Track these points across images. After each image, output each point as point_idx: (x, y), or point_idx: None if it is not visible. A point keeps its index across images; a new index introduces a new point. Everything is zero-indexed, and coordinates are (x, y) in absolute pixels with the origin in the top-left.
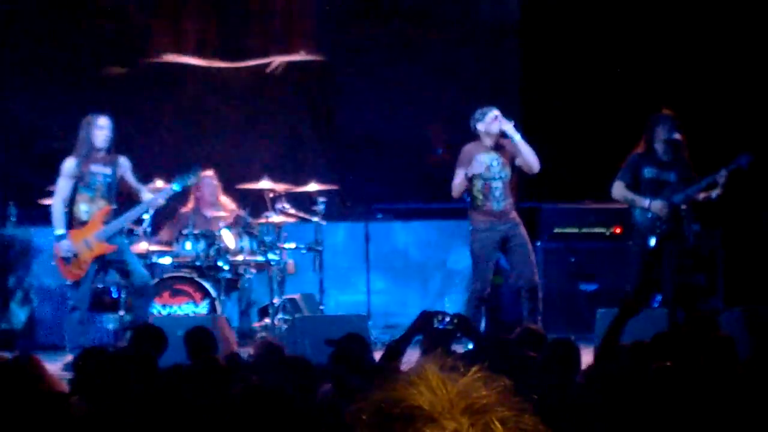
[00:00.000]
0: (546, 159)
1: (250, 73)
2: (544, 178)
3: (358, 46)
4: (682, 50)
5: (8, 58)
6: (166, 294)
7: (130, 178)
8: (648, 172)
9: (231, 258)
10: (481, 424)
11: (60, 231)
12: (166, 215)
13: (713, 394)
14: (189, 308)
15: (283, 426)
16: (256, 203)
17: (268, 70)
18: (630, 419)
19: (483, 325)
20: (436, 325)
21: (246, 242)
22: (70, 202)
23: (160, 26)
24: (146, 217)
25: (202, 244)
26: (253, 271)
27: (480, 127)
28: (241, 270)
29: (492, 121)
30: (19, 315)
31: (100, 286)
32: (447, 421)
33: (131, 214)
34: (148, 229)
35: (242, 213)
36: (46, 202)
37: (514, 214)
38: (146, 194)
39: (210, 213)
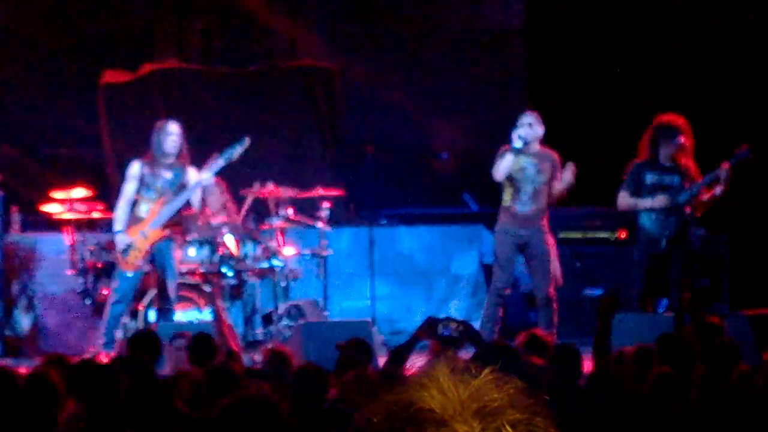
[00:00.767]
0: None
1: (255, 79)
2: None
3: (364, 52)
4: (687, 53)
5: (13, 64)
6: None
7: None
8: (650, 178)
9: (235, 264)
10: (493, 427)
11: (118, 227)
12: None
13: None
14: (193, 315)
15: None
16: (260, 209)
17: (272, 77)
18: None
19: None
20: (440, 332)
21: (250, 248)
22: (135, 202)
23: (164, 31)
24: None
25: (206, 251)
26: (257, 278)
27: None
28: (245, 276)
29: (523, 128)
30: (23, 322)
31: None
32: (458, 424)
33: (182, 197)
34: None
35: (246, 220)
36: (49, 208)
37: (540, 222)
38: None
39: (214, 220)
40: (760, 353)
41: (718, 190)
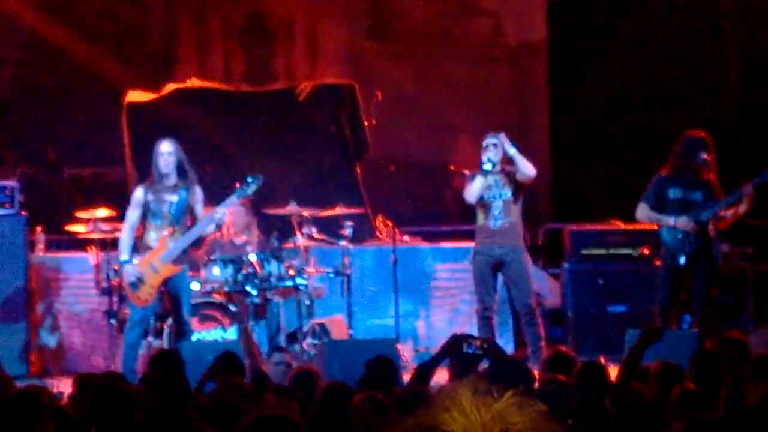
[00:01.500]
0: (573, 180)
1: (276, 98)
2: (571, 200)
3: (385, 69)
4: (712, 68)
5: (37, 85)
6: (194, 319)
7: (198, 210)
8: (673, 193)
9: (259, 283)
10: None
11: (124, 257)
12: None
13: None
14: (218, 333)
15: None
16: (283, 228)
17: (294, 95)
18: None
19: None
20: (465, 350)
21: (274, 267)
22: (143, 230)
23: (186, 51)
24: None
25: (230, 270)
26: (281, 297)
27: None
28: (269, 295)
29: (490, 151)
30: (48, 341)
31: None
32: None
33: (194, 232)
34: None
35: (270, 239)
36: (74, 228)
37: (515, 239)
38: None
39: (238, 239)
40: None
41: (741, 208)
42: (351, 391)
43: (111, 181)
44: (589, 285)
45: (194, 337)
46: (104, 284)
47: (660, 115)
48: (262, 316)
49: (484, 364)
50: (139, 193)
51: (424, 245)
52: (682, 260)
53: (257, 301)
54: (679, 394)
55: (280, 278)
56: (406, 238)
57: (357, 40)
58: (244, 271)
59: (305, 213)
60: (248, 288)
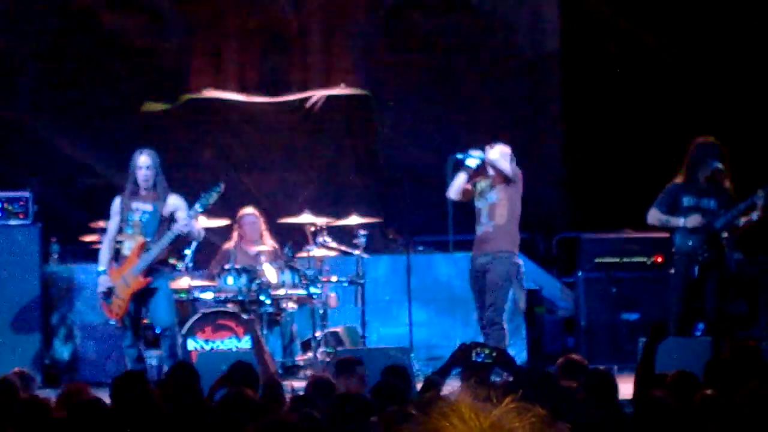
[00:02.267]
0: (587, 188)
1: (291, 107)
2: (585, 209)
3: (399, 79)
4: (724, 75)
5: (50, 96)
6: (208, 329)
7: (180, 217)
8: (687, 201)
9: (273, 292)
10: None
11: (101, 267)
12: (210, 252)
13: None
14: (232, 343)
15: None
16: (297, 237)
17: (308, 105)
18: None
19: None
20: (474, 358)
21: (288, 276)
22: (119, 239)
23: (200, 62)
24: (188, 252)
25: (243, 279)
26: (295, 306)
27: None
28: (283, 304)
29: (478, 150)
30: (62, 352)
31: (147, 321)
32: None
33: (162, 242)
34: (190, 264)
35: (284, 249)
36: (88, 238)
37: (497, 243)
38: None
39: (252, 249)
40: None
41: (754, 215)
42: (364, 400)
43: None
44: (603, 293)
45: (208, 347)
46: None
47: (675, 124)
48: (275, 325)
49: (506, 376)
50: (116, 203)
51: (438, 254)
52: (696, 269)
53: (271, 310)
54: (698, 400)
55: (294, 287)
56: (420, 247)
57: (372, 51)
58: (257, 281)
59: (319, 222)
60: (262, 297)
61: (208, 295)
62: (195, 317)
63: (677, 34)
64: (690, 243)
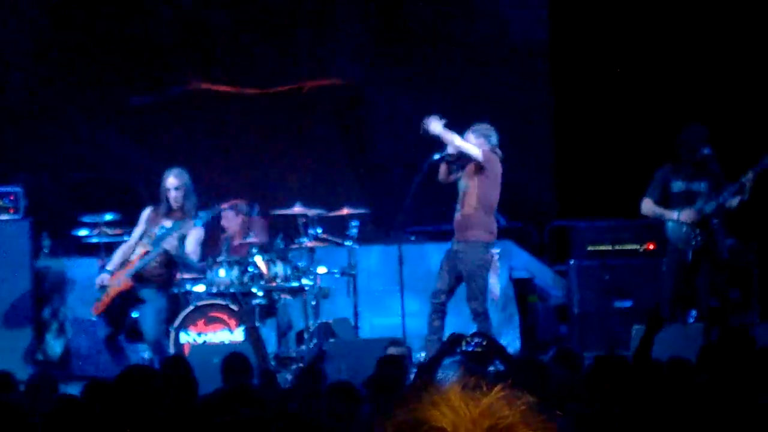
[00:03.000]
0: (578, 176)
1: (281, 99)
2: (576, 197)
3: (389, 70)
4: (713, 62)
5: (41, 90)
6: (200, 322)
7: (188, 241)
8: (676, 186)
9: (265, 284)
10: None
11: (109, 267)
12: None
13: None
14: (224, 335)
15: None
16: (289, 229)
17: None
18: None
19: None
20: (464, 348)
21: (279, 268)
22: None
23: (191, 54)
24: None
25: (235, 271)
26: (288, 298)
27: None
28: (275, 296)
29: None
30: (54, 347)
31: (135, 315)
32: None
33: (150, 257)
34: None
35: (275, 240)
36: (78, 232)
37: (465, 230)
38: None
39: (241, 241)
40: None
41: (745, 196)
42: (356, 391)
43: (116, 186)
44: (595, 281)
45: (200, 340)
46: None
47: (665, 111)
48: (268, 317)
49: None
50: (145, 213)
51: (430, 244)
52: (689, 256)
53: (263, 302)
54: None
55: (286, 279)
56: (412, 237)
57: (362, 42)
58: (249, 273)
59: (311, 214)
60: (254, 289)
61: (200, 288)
62: (187, 310)
63: (665, 19)
64: (683, 229)
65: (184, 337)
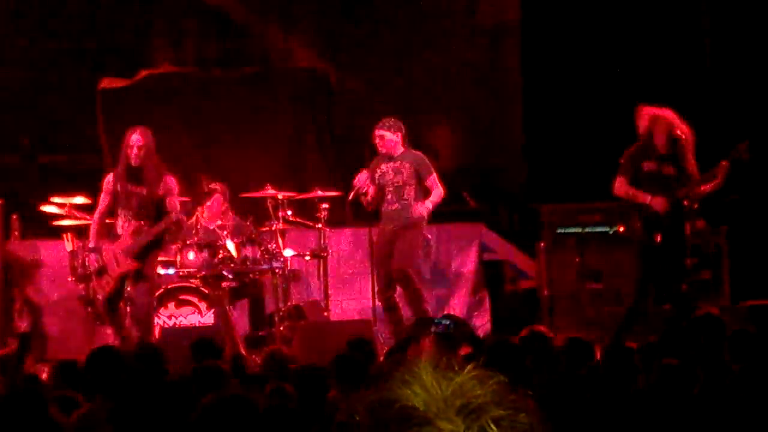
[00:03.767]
0: (548, 159)
1: (250, 81)
2: (546, 180)
3: (359, 52)
4: (683, 47)
5: (10, 71)
6: (171, 304)
7: (170, 201)
8: (648, 167)
9: (235, 267)
10: (477, 425)
11: (90, 245)
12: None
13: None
14: (194, 318)
15: None
16: (259, 211)
17: (270, 76)
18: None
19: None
20: (433, 330)
21: (249, 251)
22: (115, 216)
23: (160, 36)
24: None
25: (205, 254)
26: (258, 281)
27: None
28: (245, 279)
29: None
30: (23, 328)
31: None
32: (442, 422)
33: (152, 232)
34: None
35: (246, 223)
36: (48, 209)
37: (406, 218)
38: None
39: (212, 223)
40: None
41: (717, 183)
42: (324, 373)
43: (86, 168)
44: (566, 263)
45: (171, 322)
46: (80, 271)
47: (636, 93)
48: (238, 299)
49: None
50: (107, 179)
51: None
52: (658, 238)
53: (234, 285)
54: (659, 368)
55: (256, 262)
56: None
57: (331, 23)
58: (219, 256)
59: (281, 196)
60: (224, 272)
61: (171, 271)
62: (157, 292)
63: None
64: (652, 212)
65: (154, 320)
